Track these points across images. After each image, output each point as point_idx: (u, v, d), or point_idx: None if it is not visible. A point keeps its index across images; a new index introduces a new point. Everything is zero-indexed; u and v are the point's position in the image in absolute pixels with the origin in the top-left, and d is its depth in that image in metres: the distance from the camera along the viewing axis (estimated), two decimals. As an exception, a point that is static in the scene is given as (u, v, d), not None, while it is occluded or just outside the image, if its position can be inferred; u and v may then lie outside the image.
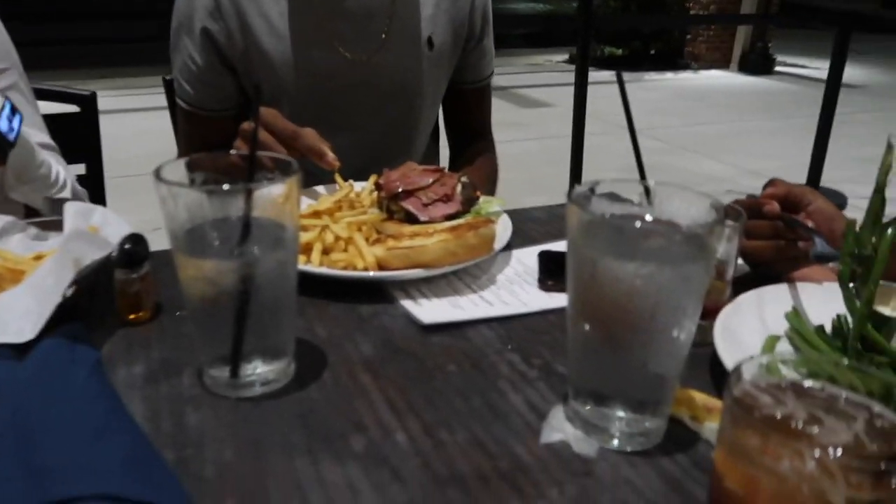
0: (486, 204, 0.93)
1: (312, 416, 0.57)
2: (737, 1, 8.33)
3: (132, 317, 0.71)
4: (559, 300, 0.77)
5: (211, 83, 1.17)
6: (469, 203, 0.91)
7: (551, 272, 0.82)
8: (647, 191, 0.59)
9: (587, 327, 0.52)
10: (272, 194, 0.56)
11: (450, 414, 0.58)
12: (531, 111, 6.20)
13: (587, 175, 3.22)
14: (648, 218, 0.54)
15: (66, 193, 1.04)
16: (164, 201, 0.56)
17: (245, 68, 1.16)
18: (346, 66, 1.16)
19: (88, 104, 1.30)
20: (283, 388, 0.61)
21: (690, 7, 8.50)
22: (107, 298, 0.74)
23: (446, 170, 0.94)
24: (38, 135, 1.06)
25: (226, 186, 0.57)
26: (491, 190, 1.29)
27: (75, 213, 0.79)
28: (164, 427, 0.55)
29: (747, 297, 0.71)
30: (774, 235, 0.77)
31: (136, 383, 0.61)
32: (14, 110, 0.89)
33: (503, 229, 0.86)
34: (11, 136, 0.87)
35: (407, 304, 0.75)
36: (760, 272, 0.80)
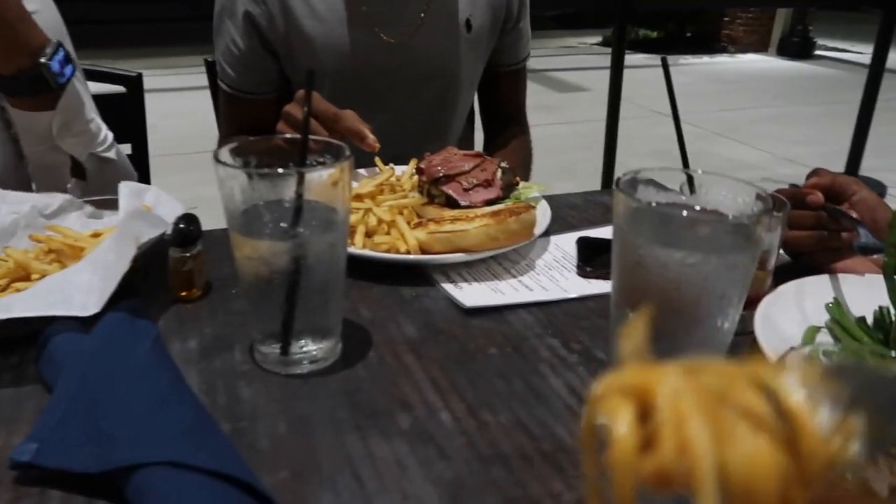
0: (526, 190, 0.94)
1: (359, 394, 0.59)
2: (777, -18, 8.12)
3: (183, 294, 0.73)
4: (598, 286, 0.78)
5: (252, 67, 1.20)
6: (509, 188, 0.92)
7: (590, 259, 0.83)
8: (690, 179, 0.59)
9: (631, 314, 0.53)
10: (324, 178, 0.58)
11: (492, 395, 0.60)
12: (563, 95, 6.15)
13: (620, 160, 3.19)
14: (696, 207, 0.54)
15: (112, 154, 1.06)
16: (222, 183, 0.58)
17: (286, 52, 1.18)
18: (384, 48, 1.17)
19: (134, 85, 1.33)
20: (330, 367, 0.63)
21: (729, -12, 8.31)
22: (158, 276, 0.77)
23: (485, 155, 0.95)
24: (89, 112, 1.09)
25: (279, 170, 0.59)
26: (525, 174, 1.30)
27: (130, 192, 0.82)
28: (220, 400, 0.58)
29: (788, 288, 0.71)
30: (817, 226, 0.76)
31: (191, 357, 0.64)
32: (68, 58, 0.91)
33: (542, 215, 0.87)
34: (62, 80, 0.90)
35: (448, 287, 0.77)
36: (802, 262, 0.80)
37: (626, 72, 3.23)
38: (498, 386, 0.61)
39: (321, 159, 0.62)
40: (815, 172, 0.81)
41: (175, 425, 0.48)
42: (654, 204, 0.54)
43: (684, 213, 0.51)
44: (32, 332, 0.64)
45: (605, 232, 0.92)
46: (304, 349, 0.62)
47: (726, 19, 8.62)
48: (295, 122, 0.94)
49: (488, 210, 0.84)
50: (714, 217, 0.52)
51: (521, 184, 0.94)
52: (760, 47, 8.36)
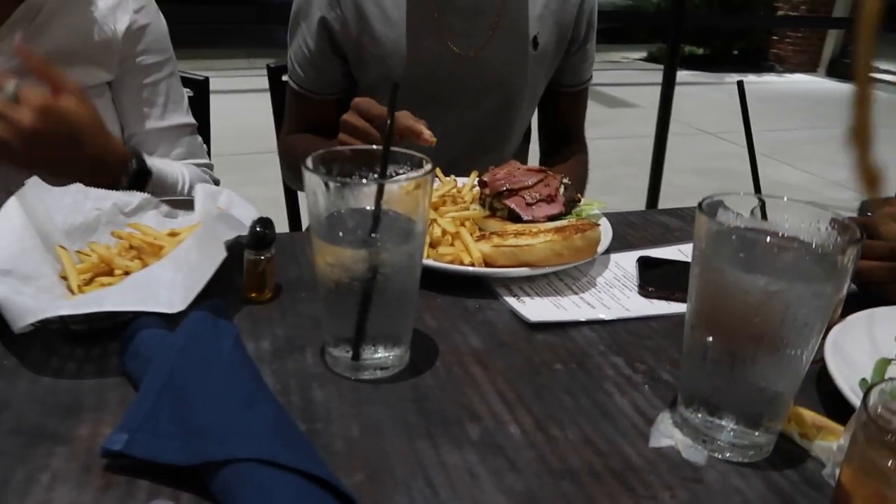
0: (587, 206, 0.94)
1: (428, 402, 0.60)
2: (829, 2, 7.97)
3: (254, 295, 0.76)
4: (660, 307, 0.78)
5: (321, 68, 1.24)
6: (571, 205, 0.92)
7: (651, 279, 0.83)
8: (763, 205, 0.59)
9: (708, 338, 0.53)
10: (403, 189, 0.60)
11: (559, 410, 0.60)
12: (608, 110, 6.12)
13: (666, 177, 3.16)
14: (779, 232, 0.54)
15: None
16: (307, 189, 0.60)
17: (357, 55, 1.21)
18: (452, 58, 1.19)
19: (202, 88, 1.37)
20: (399, 374, 0.64)
21: (779, 7, 8.18)
22: (229, 277, 0.79)
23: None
24: (183, 117, 1.17)
25: (362, 180, 0.61)
26: (580, 193, 1.30)
27: (205, 194, 0.85)
28: (294, 400, 0.60)
29: (859, 317, 0.70)
30: (891, 256, 0.75)
31: (264, 358, 0.65)
32: (144, 171, 0.99)
33: (604, 233, 0.87)
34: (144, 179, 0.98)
35: (511, 300, 0.78)
36: (871, 293, 0.79)
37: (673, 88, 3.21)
38: (564, 401, 0.62)
39: (402, 170, 0.63)
40: (889, 201, 0.80)
41: (261, 423, 0.50)
42: (737, 228, 0.54)
43: (768, 238, 0.51)
44: (116, 325, 0.67)
45: (665, 252, 0.92)
46: (375, 355, 0.63)
47: (775, 38, 8.49)
48: (352, 129, 0.96)
49: (552, 226, 0.84)
50: (799, 244, 0.52)
51: (583, 200, 0.95)
52: (809, 67, 8.21)
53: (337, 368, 0.64)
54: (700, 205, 0.53)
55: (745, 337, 0.51)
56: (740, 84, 0.71)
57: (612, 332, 0.73)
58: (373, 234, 0.60)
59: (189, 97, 1.34)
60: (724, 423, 0.55)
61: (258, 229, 0.73)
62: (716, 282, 0.52)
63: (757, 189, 0.67)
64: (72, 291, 0.68)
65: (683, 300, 0.78)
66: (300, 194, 1.64)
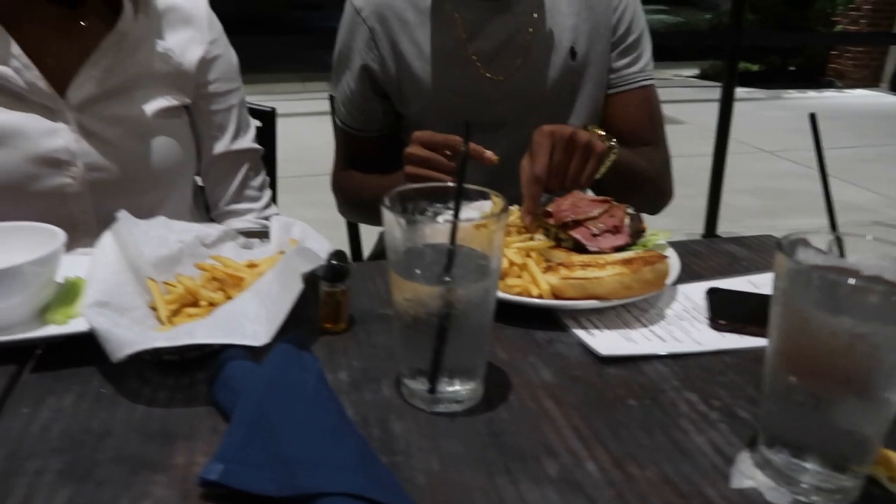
0: (653, 237, 0.94)
1: (505, 436, 0.61)
2: (891, 16, 7.74)
3: (329, 326, 0.78)
4: (733, 341, 0.77)
5: (364, 108, 1.30)
6: (636, 235, 0.92)
7: (722, 311, 0.82)
8: (840, 241, 0.59)
9: (791, 378, 0.53)
10: (477, 227, 0.61)
11: (636, 447, 0.60)
12: (659, 128, 6.04)
13: (723, 197, 3.11)
14: (861, 271, 0.54)
15: None
16: (385, 226, 0.62)
17: (397, 93, 1.26)
18: (487, 84, 1.22)
19: (269, 119, 1.43)
20: (474, 407, 0.66)
21: (838, 21, 7.98)
22: (304, 308, 0.82)
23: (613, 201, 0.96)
24: (250, 142, 1.25)
25: (438, 217, 0.63)
26: (662, 187, 1.29)
27: (280, 226, 0.89)
28: (374, 433, 0.61)
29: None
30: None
31: (342, 388, 0.68)
32: None
33: (672, 264, 0.87)
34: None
35: (580, 333, 0.78)
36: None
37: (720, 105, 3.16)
38: (640, 438, 0.62)
39: (475, 206, 0.65)
40: None
41: (349, 457, 0.52)
42: (818, 267, 0.53)
43: (852, 279, 0.50)
44: (203, 355, 0.70)
45: (735, 283, 0.91)
46: (451, 389, 0.65)
47: (834, 53, 8.26)
48: (418, 160, 1.00)
49: (619, 257, 0.85)
50: (885, 284, 0.52)
51: (648, 231, 0.95)
52: (871, 82, 7.96)
53: (413, 400, 0.66)
54: (779, 244, 0.53)
55: (831, 379, 0.51)
56: (813, 116, 0.71)
57: (684, 367, 0.73)
58: (447, 272, 0.61)
59: (257, 128, 1.40)
60: (808, 465, 0.54)
61: (334, 262, 0.76)
62: (798, 323, 0.52)
63: (832, 223, 0.66)
64: (161, 322, 0.72)
65: (756, 334, 0.78)
66: (361, 226, 1.68)
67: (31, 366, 0.70)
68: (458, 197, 0.64)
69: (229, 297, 0.75)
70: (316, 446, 0.52)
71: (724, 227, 3.35)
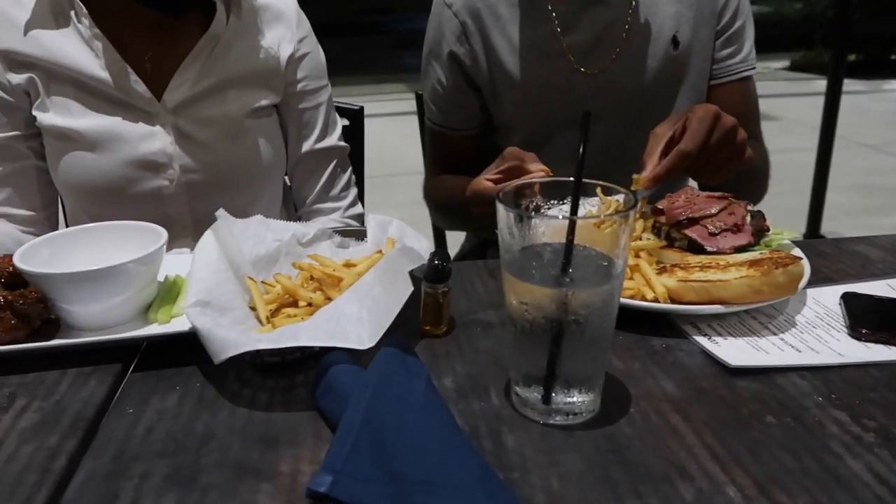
0: (777, 236, 0.86)
1: (629, 454, 0.56)
2: None
3: (429, 328, 0.74)
4: (880, 353, 0.69)
5: (457, 103, 1.25)
6: (759, 234, 0.84)
7: (863, 319, 0.73)
8: None
9: (984, 402, 0.45)
10: (598, 226, 0.56)
11: (782, 473, 0.53)
12: (747, 123, 5.76)
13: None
14: None
15: None
16: (500, 224, 0.58)
17: (489, 88, 1.21)
18: (583, 79, 1.16)
19: (357, 116, 1.41)
20: (591, 420, 0.60)
21: (947, 5, 7.39)
22: (403, 310, 0.79)
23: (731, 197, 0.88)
24: (336, 140, 1.24)
25: (558, 215, 0.58)
26: (762, 182, 1.22)
27: (376, 224, 0.86)
28: (486, 445, 0.57)
29: None
30: None
31: (449, 396, 0.64)
32: None
33: (804, 266, 0.79)
34: None
35: (702, 340, 0.72)
36: None
37: (812, 99, 2.97)
38: (785, 461, 0.55)
39: (594, 204, 0.60)
40: None
41: (469, 474, 0.47)
42: None
43: None
44: (304, 356, 0.68)
45: (872, 287, 0.82)
46: (567, 400, 0.60)
47: (941, 40, 7.66)
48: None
49: (744, 258, 0.77)
50: None
51: (772, 230, 0.87)
52: (984, 70, 7.34)
53: (524, 410, 0.61)
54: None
55: None
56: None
57: (825, 381, 0.65)
58: (566, 274, 0.56)
59: (344, 126, 1.39)
60: None
61: (436, 262, 0.72)
62: None
63: None
64: (261, 322, 0.70)
65: (911, 346, 0.69)
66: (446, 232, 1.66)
67: (134, 365, 0.70)
68: (577, 192, 0.59)
69: (328, 298, 0.72)
70: (430, 461, 0.49)
71: (825, 227, 3.14)
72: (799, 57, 7.95)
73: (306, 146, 1.19)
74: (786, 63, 8.04)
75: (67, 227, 1.16)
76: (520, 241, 0.57)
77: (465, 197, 1.12)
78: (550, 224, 0.57)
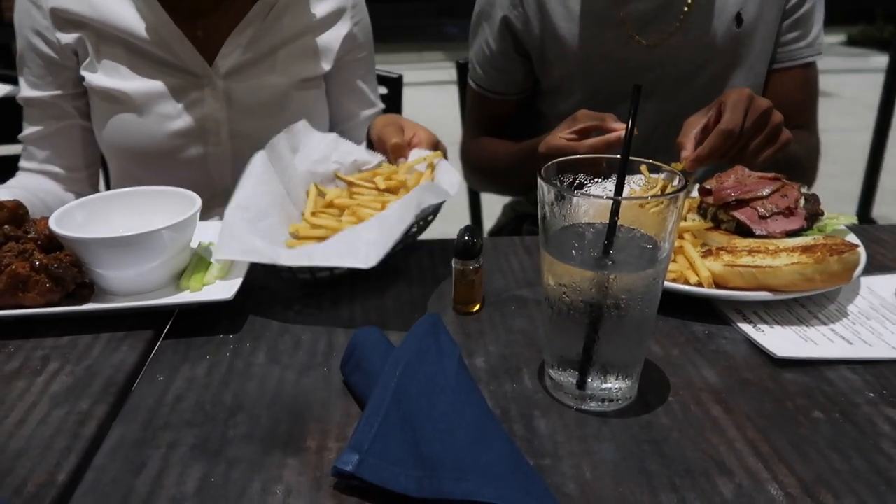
0: (832, 220, 0.81)
1: (666, 445, 0.54)
2: None
3: (461, 306, 0.73)
4: (940, 348, 0.65)
5: (502, 68, 1.21)
6: (812, 219, 0.80)
7: (922, 311, 0.69)
8: None
9: None
10: (645, 207, 0.53)
11: (828, 472, 0.51)
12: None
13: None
14: None
15: None
16: (540, 200, 0.55)
17: (539, 54, 1.17)
18: (640, 50, 1.11)
19: (396, 85, 1.39)
20: (627, 407, 0.58)
21: None
22: (436, 287, 0.77)
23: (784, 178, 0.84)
24: (379, 104, 1.24)
25: (602, 194, 0.55)
26: (810, 173, 1.18)
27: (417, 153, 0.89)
28: (517, 430, 0.55)
29: None
30: None
31: (480, 377, 0.62)
32: None
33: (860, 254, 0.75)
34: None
35: (746, 328, 0.68)
36: None
37: (871, 76, 2.82)
38: (832, 460, 0.52)
39: (640, 186, 0.57)
40: None
41: (499, 462, 0.46)
42: None
43: None
44: (333, 277, 0.76)
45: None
46: (603, 386, 0.57)
47: None
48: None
49: (795, 243, 0.73)
50: None
51: (826, 214, 0.82)
52: None
53: (557, 394, 0.59)
54: None
55: None
56: None
57: (878, 376, 0.62)
58: (607, 256, 0.54)
59: (382, 94, 1.37)
60: None
61: (466, 237, 0.70)
62: None
63: None
64: (295, 236, 0.77)
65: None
66: (483, 197, 1.63)
67: (166, 332, 0.70)
68: (623, 170, 0.56)
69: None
70: (460, 446, 0.47)
71: (877, 211, 3.01)
72: (857, 31, 7.59)
73: (349, 114, 1.18)
74: (842, 37, 7.68)
75: (110, 188, 1.17)
76: (560, 220, 0.55)
77: (520, 157, 1.09)
78: (593, 203, 0.55)
